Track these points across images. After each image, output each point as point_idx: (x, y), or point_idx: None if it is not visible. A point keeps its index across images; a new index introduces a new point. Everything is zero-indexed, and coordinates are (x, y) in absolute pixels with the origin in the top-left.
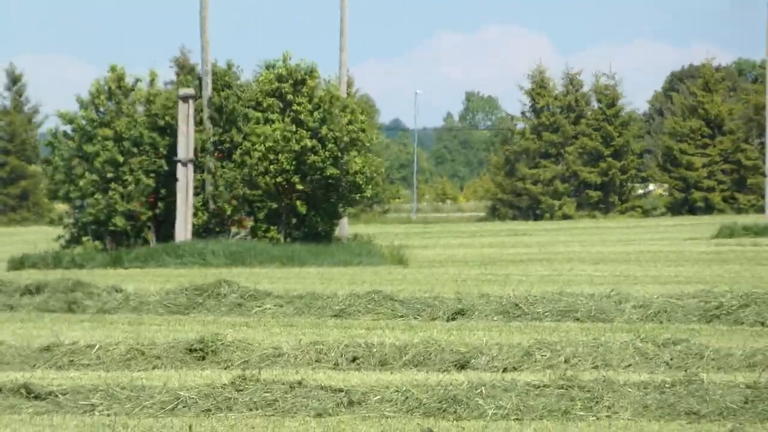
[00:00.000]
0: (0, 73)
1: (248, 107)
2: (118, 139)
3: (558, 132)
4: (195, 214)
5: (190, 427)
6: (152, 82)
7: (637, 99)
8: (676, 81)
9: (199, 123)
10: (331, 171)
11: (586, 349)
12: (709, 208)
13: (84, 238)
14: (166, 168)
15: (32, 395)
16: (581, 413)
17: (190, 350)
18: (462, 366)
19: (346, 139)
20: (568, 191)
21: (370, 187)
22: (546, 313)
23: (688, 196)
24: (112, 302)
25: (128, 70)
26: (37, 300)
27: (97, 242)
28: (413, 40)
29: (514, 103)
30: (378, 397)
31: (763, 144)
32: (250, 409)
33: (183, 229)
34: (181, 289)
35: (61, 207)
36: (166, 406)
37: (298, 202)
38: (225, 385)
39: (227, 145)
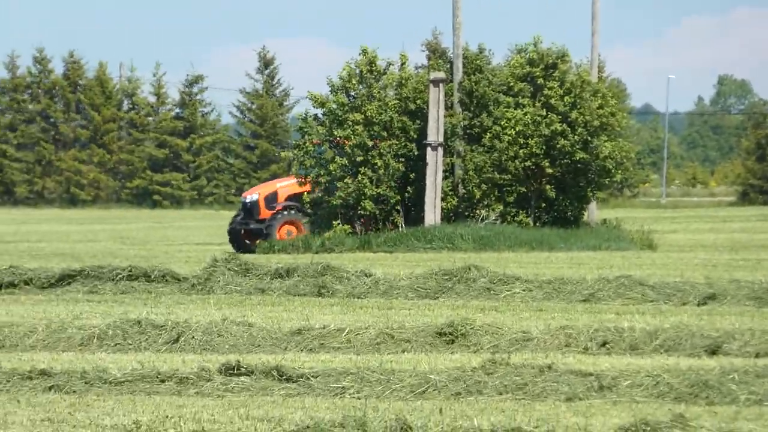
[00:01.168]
0: (252, 56)
1: (499, 92)
2: (368, 123)
3: None
4: (444, 198)
5: (440, 410)
6: (403, 65)
7: None
8: None
9: (449, 107)
10: (580, 155)
11: None
12: None
13: (334, 222)
14: (415, 152)
15: (284, 377)
16: None
17: (440, 334)
18: (713, 351)
19: (596, 123)
20: None
21: (619, 171)
22: None
23: None
24: (361, 286)
25: (379, 54)
26: (287, 284)
27: (347, 226)
28: (664, 24)
29: None
30: (628, 381)
31: None
32: (500, 393)
33: (432, 213)
34: (430, 274)
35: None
36: (416, 389)
37: (547, 187)
38: (475, 368)
39: (477, 130)
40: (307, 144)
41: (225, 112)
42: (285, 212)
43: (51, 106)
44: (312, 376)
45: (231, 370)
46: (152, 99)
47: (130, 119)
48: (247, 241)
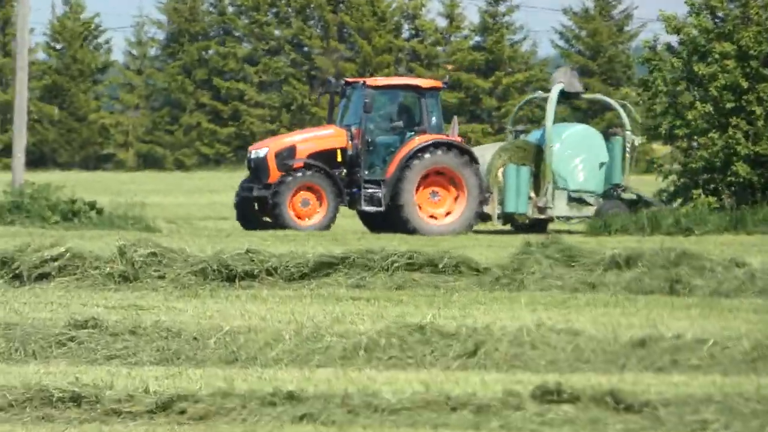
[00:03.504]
0: None
1: None
2: (742, 56)
3: None
4: None
5: None
6: None
7: None
8: None
9: None
10: None
11: None
12: None
13: (694, 192)
14: None
15: (621, 405)
16: None
17: None
18: None
19: None
20: None
21: None
22: None
23: None
24: (730, 281)
25: None
26: (627, 276)
27: (711, 198)
28: None
29: None
30: None
31: None
32: None
33: None
34: None
35: (660, 149)
36: None
37: None
38: None
39: None
40: (658, 83)
41: (543, 40)
42: (300, 173)
43: (304, 31)
44: (661, 405)
45: (549, 395)
46: (442, 22)
47: (412, 50)
48: (266, 217)
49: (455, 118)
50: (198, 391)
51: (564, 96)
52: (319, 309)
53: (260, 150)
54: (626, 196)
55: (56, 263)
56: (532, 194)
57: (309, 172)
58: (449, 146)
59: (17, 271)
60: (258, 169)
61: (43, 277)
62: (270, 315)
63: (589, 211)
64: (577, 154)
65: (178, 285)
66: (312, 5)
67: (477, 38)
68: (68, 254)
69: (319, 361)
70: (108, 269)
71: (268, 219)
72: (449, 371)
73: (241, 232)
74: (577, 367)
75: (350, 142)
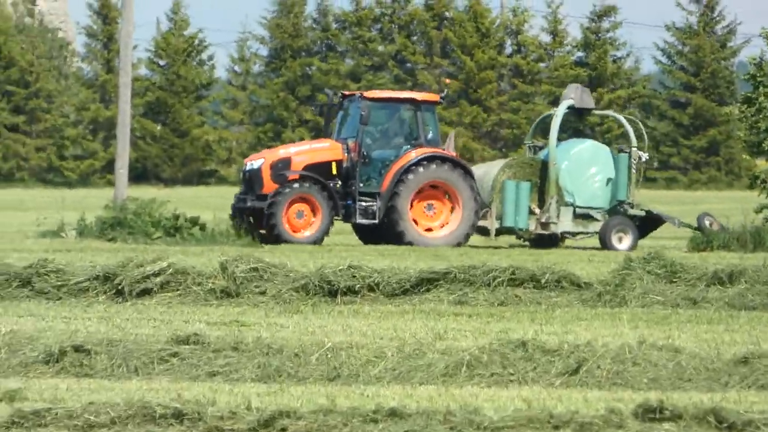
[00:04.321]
0: None
1: None
2: None
3: None
4: None
5: None
6: None
7: None
8: None
9: None
10: None
11: None
12: None
13: None
14: None
15: (724, 424)
16: None
17: None
18: None
19: None
20: None
21: None
22: None
23: None
24: None
25: None
26: (729, 293)
27: None
28: None
29: None
30: None
31: None
32: None
33: None
34: None
35: (763, 164)
36: None
37: None
38: None
39: None
40: (761, 99)
41: (646, 56)
42: (296, 185)
43: (408, 47)
44: (763, 425)
45: (651, 414)
46: (546, 38)
47: (515, 65)
48: (261, 229)
49: (452, 132)
50: (299, 408)
51: (576, 112)
52: (421, 325)
53: (255, 162)
54: (633, 212)
55: (158, 279)
56: (537, 209)
57: (305, 184)
58: (443, 160)
59: (119, 287)
60: (253, 180)
61: (146, 292)
62: (372, 331)
63: (595, 227)
64: (586, 170)
65: (280, 301)
66: (415, 21)
67: (579, 54)
68: (170, 270)
69: (421, 377)
70: (210, 285)
71: (262, 231)
72: (551, 388)
73: (342, 247)
74: (679, 385)
75: (346, 154)
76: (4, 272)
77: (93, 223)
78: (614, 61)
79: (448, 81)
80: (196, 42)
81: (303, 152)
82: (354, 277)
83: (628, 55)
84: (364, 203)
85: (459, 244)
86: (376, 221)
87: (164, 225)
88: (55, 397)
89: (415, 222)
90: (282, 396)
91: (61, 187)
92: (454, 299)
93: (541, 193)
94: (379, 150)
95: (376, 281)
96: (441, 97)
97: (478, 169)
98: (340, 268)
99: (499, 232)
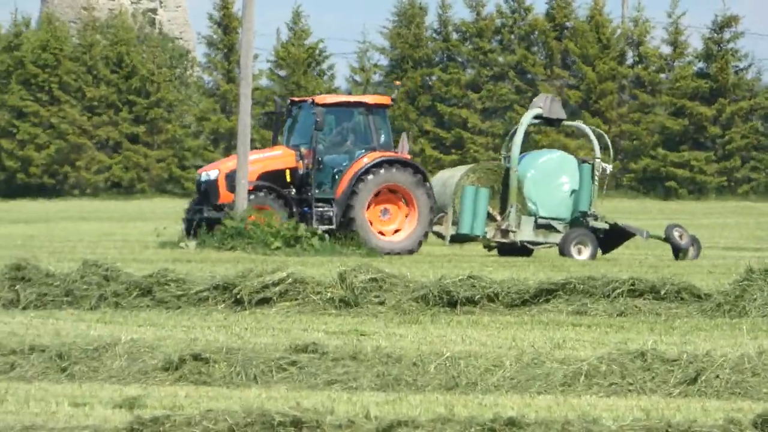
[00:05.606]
0: None
1: None
2: None
3: None
4: None
5: None
6: None
7: None
8: None
9: None
10: None
11: None
12: None
13: None
14: None
15: None
16: None
17: None
18: None
19: None
20: None
21: None
22: None
23: None
24: None
25: None
26: None
27: None
28: None
29: None
30: None
31: None
32: None
33: None
34: None
35: None
36: None
37: None
38: None
39: None
40: None
41: None
42: (252, 195)
43: (528, 59)
44: None
45: None
46: (666, 49)
47: (636, 76)
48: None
49: (404, 134)
50: (418, 416)
51: (546, 122)
52: (540, 335)
53: (210, 172)
54: (596, 224)
55: (277, 288)
56: (498, 216)
57: (260, 193)
58: (404, 164)
59: (238, 296)
60: (208, 191)
61: (265, 302)
62: (490, 341)
63: (556, 238)
64: (552, 180)
65: (399, 311)
66: (536, 32)
67: (700, 65)
68: (290, 279)
69: (539, 387)
70: (329, 294)
71: None
72: (670, 398)
73: (461, 258)
74: None
75: (300, 161)
76: (125, 281)
77: (213, 234)
78: (736, 72)
79: (398, 82)
80: (317, 52)
81: (257, 161)
82: (473, 287)
83: (749, 66)
84: (320, 209)
85: (411, 252)
86: (334, 227)
87: (284, 235)
88: (173, 405)
89: (371, 224)
90: (400, 405)
91: (182, 197)
92: (573, 310)
93: (504, 200)
94: (332, 155)
95: (495, 292)
96: (392, 99)
97: (444, 173)
98: (460, 278)
99: (455, 239)
